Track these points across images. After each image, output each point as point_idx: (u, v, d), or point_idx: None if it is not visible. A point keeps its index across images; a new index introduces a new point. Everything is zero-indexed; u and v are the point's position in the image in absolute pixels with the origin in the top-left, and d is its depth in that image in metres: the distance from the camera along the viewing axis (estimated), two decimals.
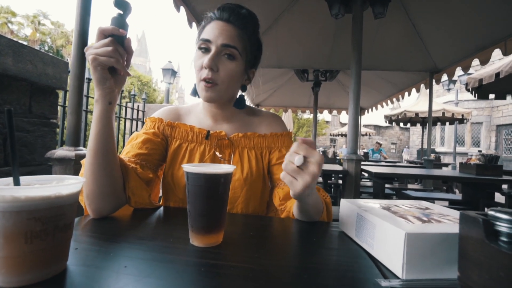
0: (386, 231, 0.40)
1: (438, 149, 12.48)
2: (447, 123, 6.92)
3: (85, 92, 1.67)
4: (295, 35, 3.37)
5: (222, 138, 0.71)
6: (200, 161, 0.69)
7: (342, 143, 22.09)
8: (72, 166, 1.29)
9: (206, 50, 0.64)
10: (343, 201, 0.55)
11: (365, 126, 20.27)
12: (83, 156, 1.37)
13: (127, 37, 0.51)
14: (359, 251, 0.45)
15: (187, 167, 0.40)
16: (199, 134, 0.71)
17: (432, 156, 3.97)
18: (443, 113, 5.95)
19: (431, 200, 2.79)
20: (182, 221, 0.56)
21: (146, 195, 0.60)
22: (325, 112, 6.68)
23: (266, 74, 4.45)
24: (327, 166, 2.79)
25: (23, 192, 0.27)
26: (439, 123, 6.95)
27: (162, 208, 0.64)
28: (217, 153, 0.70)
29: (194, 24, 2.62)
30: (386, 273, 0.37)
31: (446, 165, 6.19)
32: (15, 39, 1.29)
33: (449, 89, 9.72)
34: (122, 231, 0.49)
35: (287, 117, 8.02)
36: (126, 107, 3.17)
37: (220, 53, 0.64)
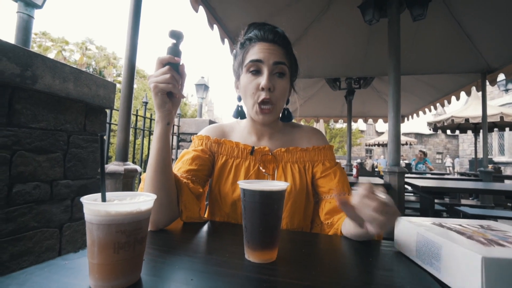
0: (455, 254, 0.37)
1: (497, 158, 10.98)
2: (507, 129, 6.09)
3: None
4: (325, 44, 3.35)
5: (265, 154, 0.73)
6: (245, 176, 0.71)
7: (379, 153, 20.75)
8: (121, 180, 1.42)
9: (256, 72, 0.67)
10: (400, 219, 0.52)
11: (405, 134, 18.78)
12: (131, 171, 1.50)
13: (181, 63, 0.57)
14: (421, 274, 0.42)
15: (244, 184, 0.42)
16: (244, 150, 0.74)
17: (490, 167, 3.52)
18: (501, 118, 5.27)
19: (493, 218, 2.44)
20: (232, 236, 0.58)
21: (197, 209, 0.64)
22: (360, 121, 6.36)
23: (295, 84, 4.43)
24: (365, 180, 2.64)
25: (114, 207, 0.31)
26: (496, 129, 6.16)
27: (209, 222, 0.67)
28: (261, 168, 0.72)
29: (226, 40, 2.78)
30: None
31: (509, 177, 5.40)
32: (74, 66, 1.49)
33: (506, 90, 8.60)
34: (179, 244, 0.52)
35: (318, 128, 7.85)
36: None
37: (272, 72, 0.66)
